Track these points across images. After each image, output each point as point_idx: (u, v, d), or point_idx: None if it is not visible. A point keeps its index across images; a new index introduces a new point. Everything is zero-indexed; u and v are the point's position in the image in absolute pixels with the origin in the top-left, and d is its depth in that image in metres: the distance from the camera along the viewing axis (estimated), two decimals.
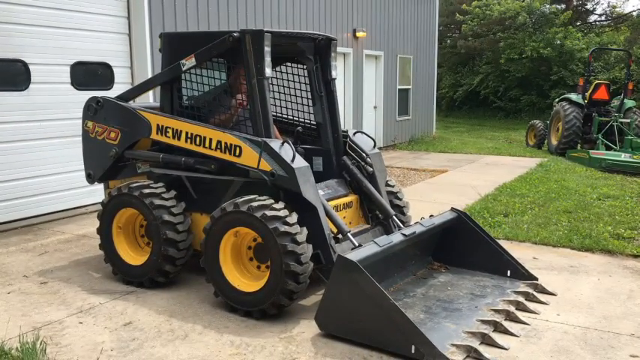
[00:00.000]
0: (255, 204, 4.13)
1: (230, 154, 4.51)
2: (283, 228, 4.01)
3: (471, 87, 27.68)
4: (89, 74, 7.60)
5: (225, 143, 4.53)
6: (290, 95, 5.45)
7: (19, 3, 6.72)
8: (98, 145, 5.29)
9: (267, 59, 4.43)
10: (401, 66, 15.89)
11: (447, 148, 15.19)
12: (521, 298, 4.46)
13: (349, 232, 4.51)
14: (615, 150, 12.41)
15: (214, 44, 4.58)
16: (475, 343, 3.70)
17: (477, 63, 28.35)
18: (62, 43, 7.21)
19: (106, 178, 5.49)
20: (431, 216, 4.96)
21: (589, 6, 31.87)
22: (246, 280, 4.33)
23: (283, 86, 5.45)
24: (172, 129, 4.81)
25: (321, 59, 5.13)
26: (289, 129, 5.49)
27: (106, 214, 4.98)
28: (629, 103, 13.84)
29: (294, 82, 5.38)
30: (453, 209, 5.13)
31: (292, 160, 4.27)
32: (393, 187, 5.48)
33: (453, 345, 3.67)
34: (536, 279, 4.82)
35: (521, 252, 5.71)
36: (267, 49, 4.42)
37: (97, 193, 7.07)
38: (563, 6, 29.17)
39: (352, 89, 13.46)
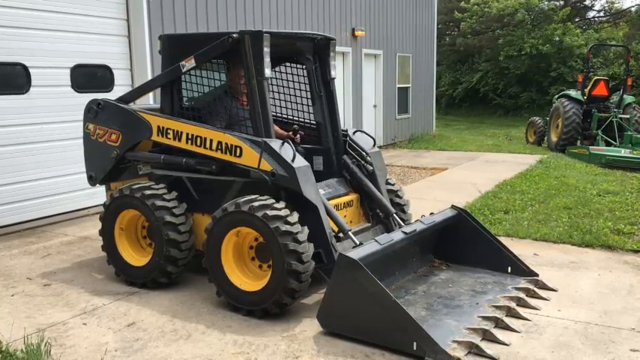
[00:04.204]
0: (256, 204, 4.15)
1: (230, 154, 4.53)
2: (284, 227, 4.03)
3: (471, 84, 27.68)
4: (89, 77, 7.62)
5: (226, 144, 4.55)
6: (290, 95, 5.47)
7: (18, 7, 6.74)
8: (99, 147, 5.32)
9: (267, 60, 4.45)
10: (400, 64, 15.89)
11: (447, 146, 15.20)
12: (522, 294, 4.48)
13: (350, 230, 4.53)
14: (615, 146, 12.42)
15: (214, 45, 4.60)
16: (476, 339, 3.73)
17: (476, 60, 28.36)
18: (62, 46, 7.23)
19: (108, 180, 5.52)
20: (431, 214, 4.98)
21: (587, 2, 31.87)
22: (248, 280, 4.35)
23: (283, 86, 5.47)
24: (173, 130, 4.84)
25: (320, 59, 5.15)
26: (289, 129, 5.51)
27: (108, 215, 5.00)
28: (629, 98, 13.84)
29: (293, 82, 5.40)
30: (453, 207, 5.14)
31: (292, 160, 4.29)
32: (393, 185, 5.50)
33: (455, 341, 3.69)
34: (537, 275, 4.84)
35: (521, 248, 5.73)
36: (267, 49, 4.44)
37: (98, 195, 7.08)
38: (562, 2, 29.16)
39: (351, 88, 13.47)
